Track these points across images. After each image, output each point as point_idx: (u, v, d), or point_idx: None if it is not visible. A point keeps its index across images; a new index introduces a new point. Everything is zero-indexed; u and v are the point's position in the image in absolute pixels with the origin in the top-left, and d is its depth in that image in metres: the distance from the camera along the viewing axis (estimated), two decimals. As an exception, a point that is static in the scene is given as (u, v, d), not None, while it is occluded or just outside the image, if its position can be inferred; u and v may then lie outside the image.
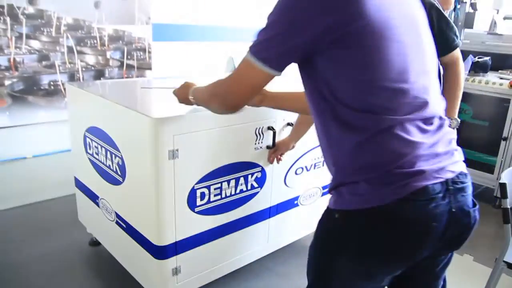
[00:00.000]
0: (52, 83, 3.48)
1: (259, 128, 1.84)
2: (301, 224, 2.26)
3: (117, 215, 1.91)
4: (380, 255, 1.00)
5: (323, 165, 2.23)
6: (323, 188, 2.30)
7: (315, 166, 2.18)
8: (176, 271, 1.75)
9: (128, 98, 1.97)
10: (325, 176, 2.23)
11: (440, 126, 1.01)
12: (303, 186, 2.17)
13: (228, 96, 1.10)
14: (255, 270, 2.18)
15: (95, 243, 2.39)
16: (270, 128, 1.87)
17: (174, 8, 3.96)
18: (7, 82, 3.28)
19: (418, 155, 0.94)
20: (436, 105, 1.02)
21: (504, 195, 1.64)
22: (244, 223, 1.94)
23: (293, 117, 1.92)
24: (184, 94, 1.44)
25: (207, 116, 1.65)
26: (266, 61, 0.97)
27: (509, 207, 1.65)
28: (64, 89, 3.55)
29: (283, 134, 1.94)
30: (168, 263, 1.71)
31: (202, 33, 4.20)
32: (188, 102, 1.44)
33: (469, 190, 1.02)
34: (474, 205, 1.04)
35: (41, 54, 3.41)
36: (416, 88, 0.96)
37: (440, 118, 1.03)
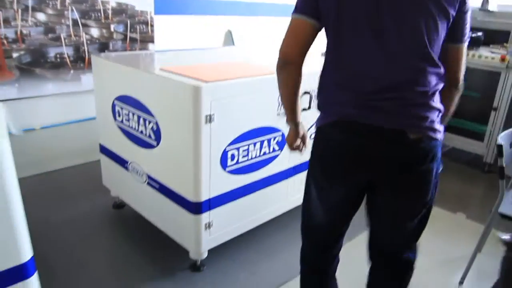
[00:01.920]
0: (58, 55, 3.62)
1: (281, 95, 2.07)
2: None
3: (149, 177, 2.13)
4: (319, 161, 1.41)
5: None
6: (333, 152, 2.56)
7: (327, 132, 2.44)
8: (208, 225, 2.00)
9: (158, 68, 2.15)
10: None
11: (393, 91, 1.23)
12: (316, 150, 2.42)
13: (281, 48, 1.35)
14: (275, 225, 2.45)
15: (118, 206, 2.62)
16: (290, 95, 2.10)
17: (175, -19, 4.09)
18: (15, 55, 3.40)
19: (352, 100, 1.26)
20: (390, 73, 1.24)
21: (500, 154, 1.92)
22: (267, 182, 2.20)
23: (309, 85, 2.16)
24: None
25: (239, 84, 1.88)
26: (299, 11, 1.29)
27: (504, 165, 1.94)
28: (71, 61, 3.69)
29: (302, 101, 2.17)
30: (202, 218, 1.96)
31: (202, 7, 4.36)
32: None
33: (405, 147, 1.25)
34: (419, 162, 1.27)
35: (47, 27, 3.53)
36: (359, 57, 1.24)
37: (396, 88, 1.23)
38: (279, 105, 2.09)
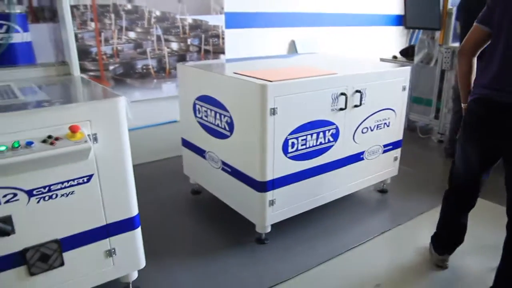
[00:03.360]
0: (144, 67, 4.28)
1: (335, 93, 2.46)
2: (366, 176, 2.88)
3: (223, 163, 2.61)
4: (464, 128, 2.02)
5: (384, 127, 2.82)
6: (384, 146, 2.90)
7: (377, 127, 2.79)
8: (272, 203, 2.42)
9: (232, 72, 2.63)
10: (386, 136, 2.83)
11: None
12: (367, 143, 2.79)
13: (462, 42, 2.03)
14: (331, 208, 2.82)
15: (196, 191, 3.13)
16: (343, 93, 2.48)
17: (243, -2, 4.64)
18: (111, 67, 4.10)
19: (488, 84, 1.86)
20: None
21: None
22: (322, 170, 2.59)
23: (359, 85, 2.53)
24: None
25: (297, 83, 2.31)
26: (477, 20, 1.92)
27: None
28: (155, 71, 4.33)
29: (352, 99, 2.55)
30: (267, 195, 2.39)
31: (267, 20, 4.86)
32: None
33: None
34: None
35: (136, 43, 4.21)
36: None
37: None
38: (333, 101, 2.48)
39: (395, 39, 5.65)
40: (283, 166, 2.41)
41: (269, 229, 2.53)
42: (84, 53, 3.90)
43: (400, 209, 3.00)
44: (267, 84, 2.20)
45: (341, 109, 2.54)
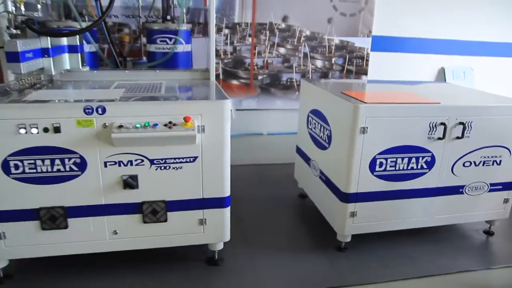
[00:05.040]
0: (288, 80, 4.81)
1: (433, 122, 2.54)
2: (463, 212, 2.82)
3: (321, 172, 2.91)
4: None
5: (493, 164, 2.72)
6: (491, 185, 2.78)
7: (484, 163, 2.72)
8: (353, 214, 2.64)
9: (338, 92, 2.92)
10: (495, 175, 2.72)
11: None
12: (469, 178, 2.74)
13: None
14: (417, 235, 2.86)
15: (302, 196, 3.49)
16: (442, 123, 2.54)
17: (392, 23, 4.77)
18: (260, 77, 4.73)
19: None
20: None
21: None
22: (411, 194, 2.68)
23: (463, 117, 2.53)
24: None
25: (391, 107, 2.48)
26: None
27: None
28: (297, 85, 4.82)
29: (454, 131, 2.57)
30: (348, 206, 2.62)
31: (416, 45, 4.89)
32: None
33: None
34: None
35: (284, 58, 4.76)
36: None
37: None
38: (430, 129, 2.56)
39: None
40: (369, 183, 2.60)
41: (349, 239, 2.74)
42: (239, 63, 4.63)
43: (495, 254, 2.84)
44: (360, 105, 2.44)
45: (439, 138, 2.58)
